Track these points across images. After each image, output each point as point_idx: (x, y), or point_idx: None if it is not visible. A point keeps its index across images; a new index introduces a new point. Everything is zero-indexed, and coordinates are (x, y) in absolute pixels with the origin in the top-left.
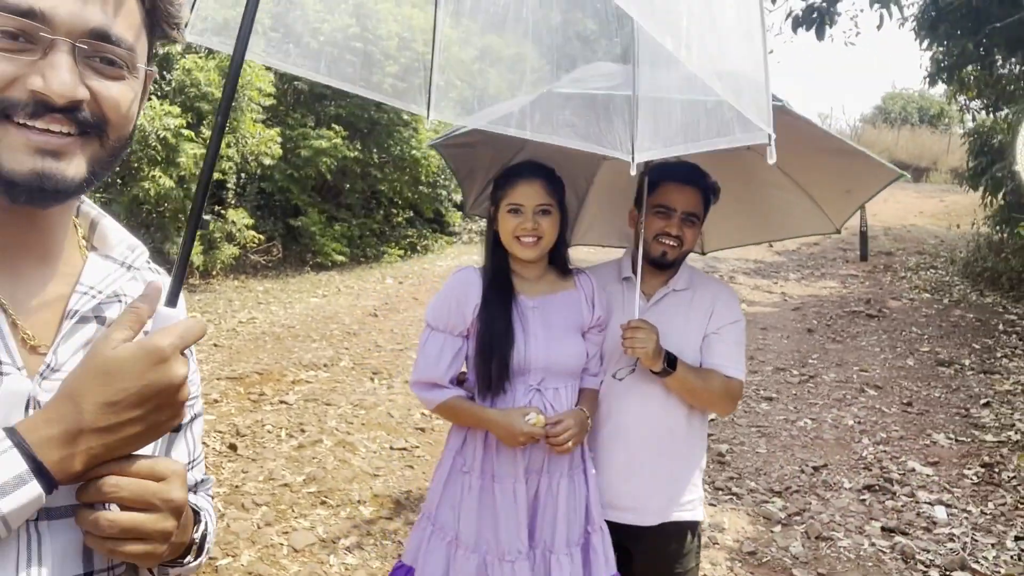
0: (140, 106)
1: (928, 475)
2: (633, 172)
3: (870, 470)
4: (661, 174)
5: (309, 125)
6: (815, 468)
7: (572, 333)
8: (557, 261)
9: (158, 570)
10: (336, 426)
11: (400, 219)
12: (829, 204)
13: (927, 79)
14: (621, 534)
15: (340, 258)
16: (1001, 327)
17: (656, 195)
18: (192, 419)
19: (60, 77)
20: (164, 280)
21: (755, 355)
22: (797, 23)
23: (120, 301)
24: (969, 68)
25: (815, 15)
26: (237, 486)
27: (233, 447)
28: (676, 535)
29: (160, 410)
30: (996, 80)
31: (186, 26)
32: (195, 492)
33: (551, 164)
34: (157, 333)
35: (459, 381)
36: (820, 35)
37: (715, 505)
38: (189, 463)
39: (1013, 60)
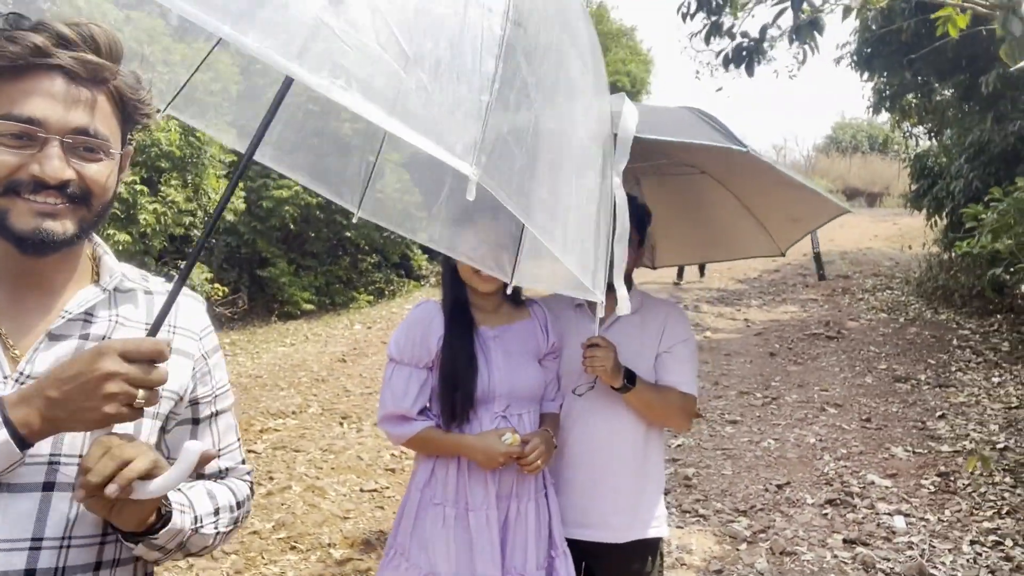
0: (119, 178)
1: (887, 487)
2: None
3: (831, 485)
4: None
5: (272, 176)
6: (779, 486)
7: (531, 360)
8: (511, 292)
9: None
10: (305, 472)
11: (367, 264)
12: (775, 229)
13: (870, 108)
14: (584, 552)
15: (308, 306)
16: (955, 342)
17: None
18: (214, 414)
19: (52, 164)
20: (159, 283)
21: (720, 380)
22: (727, 61)
23: (91, 322)
24: (909, 96)
25: (744, 53)
26: None
27: None
28: (640, 553)
29: (89, 394)
30: (935, 107)
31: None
32: (223, 477)
33: None
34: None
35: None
36: (750, 72)
37: (682, 527)
38: (218, 452)
39: (950, 87)
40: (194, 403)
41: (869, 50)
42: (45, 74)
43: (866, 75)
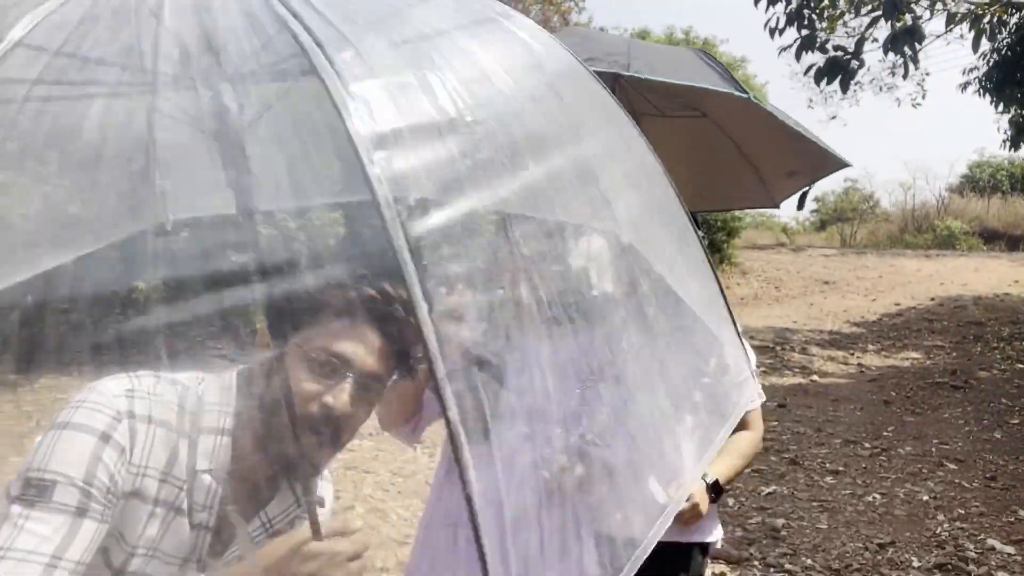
0: None
1: (1010, 554)
2: None
3: (943, 548)
4: None
5: None
6: (880, 545)
7: None
8: None
9: None
10: (371, 493)
11: None
12: (771, 180)
13: (1006, 143)
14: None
15: None
16: None
17: None
18: None
19: (343, 400)
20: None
21: (823, 427)
22: (820, 75)
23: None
24: None
25: (837, 67)
26: None
27: None
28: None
29: None
30: None
31: None
32: None
33: None
34: (337, 540)
35: None
36: (844, 88)
37: None
38: None
39: None
40: None
41: (1001, 75)
42: (365, 321)
43: (1000, 106)
